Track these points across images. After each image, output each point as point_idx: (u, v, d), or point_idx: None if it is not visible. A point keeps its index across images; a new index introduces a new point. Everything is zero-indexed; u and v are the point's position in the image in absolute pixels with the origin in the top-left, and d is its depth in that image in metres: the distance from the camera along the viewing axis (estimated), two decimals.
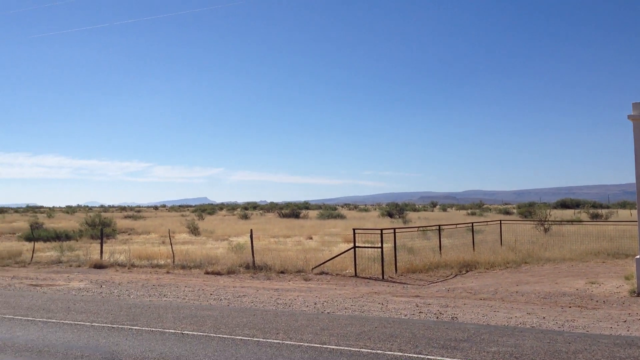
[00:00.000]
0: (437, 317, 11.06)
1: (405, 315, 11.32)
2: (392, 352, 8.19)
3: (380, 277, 17.41)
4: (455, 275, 17.78)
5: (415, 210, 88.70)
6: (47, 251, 26.08)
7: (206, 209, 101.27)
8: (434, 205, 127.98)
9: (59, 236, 34.50)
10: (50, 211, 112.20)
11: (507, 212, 68.97)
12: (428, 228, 26.34)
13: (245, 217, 69.14)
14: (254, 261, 19.94)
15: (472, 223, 25.57)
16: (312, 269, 18.74)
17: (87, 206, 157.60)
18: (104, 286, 16.52)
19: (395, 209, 64.17)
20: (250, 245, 20.98)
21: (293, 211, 72.82)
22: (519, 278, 16.74)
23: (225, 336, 9.36)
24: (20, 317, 11.27)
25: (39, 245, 27.14)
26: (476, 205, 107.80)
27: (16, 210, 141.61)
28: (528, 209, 56.40)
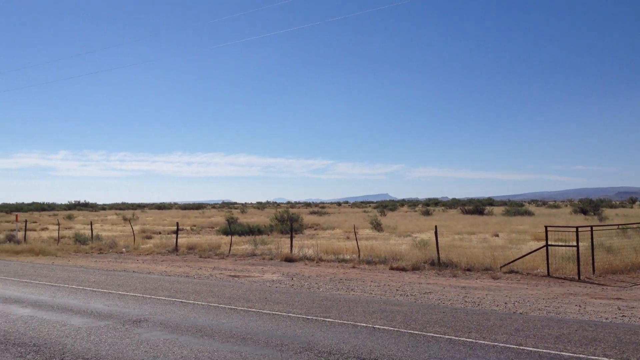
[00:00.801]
0: None
1: (607, 319, 10.54)
2: (596, 357, 7.67)
3: (576, 277, 16.37)
4: None
5: (611, 206, 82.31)
6: (242, 244, 27.86)
7: (387, 205, 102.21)
8: (633, 201, 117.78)
9: (252, 230, 36.78)
10: (243, 207, 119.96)
11: None
12: (629, 226, 24.30)
13: (427, 213, 68.73)
14: (439, 258, 19.73)
15: None
16: (501, 267, 18.12)
17: (275, 202, 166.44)
18: (294, 279, 17.29)
19: (590, 205, 59.98)
20: (434, 241, 20.79)
21: (477, 207, 71.04)
22: None
23: (416, 332, 9.36)
24: (223, 306, 12.15)
25: (235, 239, 29.10)
26: None
27: (213, 206, 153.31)
28: None
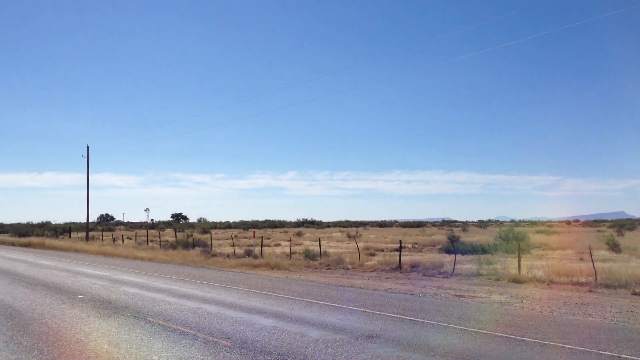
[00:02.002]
0: None
1: None
2: None
3: None
4: None
5: None
6: (465, 263, 27.37)
7: (625, 224, 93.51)
8: None
9: (475, 249, 35.96)
10: (464, 225, 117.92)
11: None
12: None
13: None
14: None
15: None
16: None
17: (498, 220, 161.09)
18: (524, 301, 16.55)
19: None
20: None
21: None
22: None
23: None
24: (453, 326, 12.02)
25: (458, 257, 28.70)
26: None
27: (433, 223, 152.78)
28: None
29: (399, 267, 26.89)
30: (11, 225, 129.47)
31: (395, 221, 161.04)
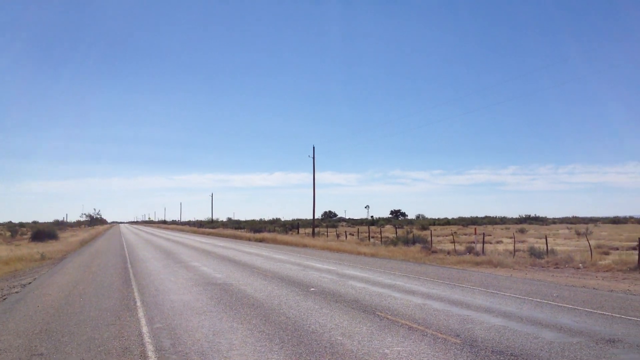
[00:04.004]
0: None
1: None
2: None
3: None
4: None
5: None
6: None
7: None
8: None
9: None
10: None
11: None
12: None
13: None
14: None
15: None
16: None
17: None
18: None
19: None
20: None
21: None
22: None
23: None
24: None
25: None
26: None
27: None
28: None
29: (639, 266, 24.59)
30: (246, 221, 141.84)
31: (631, 217, 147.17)
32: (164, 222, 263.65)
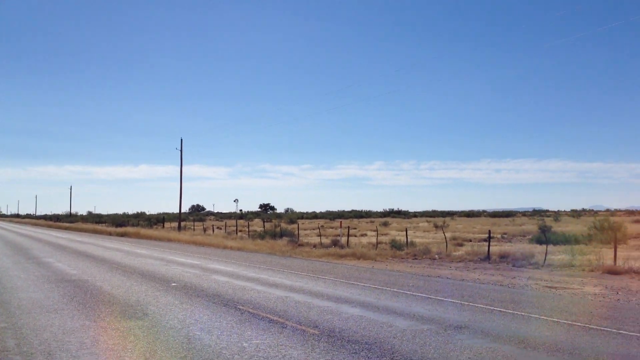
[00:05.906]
0: None
1: None
2: None
3: None
4: None
5: None
6: (557, 254, 26.46)
7: None
8: None
9: (567, 240, 34.70)
10: (556, 215, 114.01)
11: None
12: None
13: None
14: None
15: None
16: None
17: (592, 210, 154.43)
18: (620, 293, 15.91)
19: None
20: None
21: None
22: None
23: None
24: (544, 317, 11.72)
25: (549, 248, 27.79)
26: None
27: (523, 213, 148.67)
28: None
29: (488, 257, 26.36)
30: (108, 215, 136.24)
31: (484, 211, 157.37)
32: (17, 215, 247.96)
